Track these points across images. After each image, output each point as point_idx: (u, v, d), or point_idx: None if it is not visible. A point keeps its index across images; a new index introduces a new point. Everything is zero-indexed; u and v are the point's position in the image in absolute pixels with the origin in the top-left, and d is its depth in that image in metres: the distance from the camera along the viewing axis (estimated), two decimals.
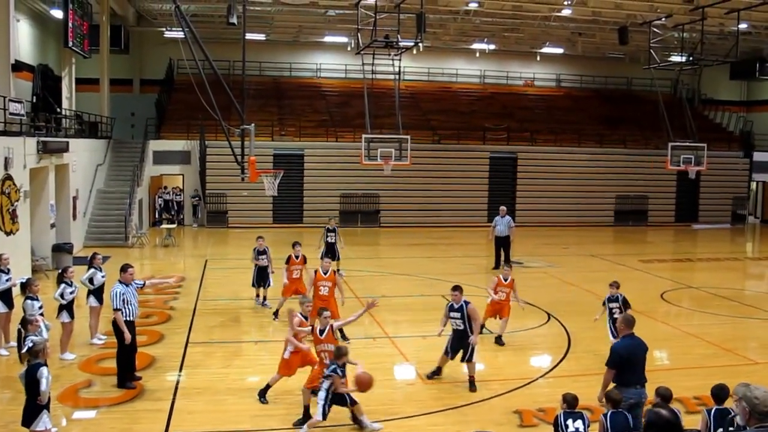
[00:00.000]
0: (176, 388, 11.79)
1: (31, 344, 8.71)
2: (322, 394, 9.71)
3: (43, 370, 8.14)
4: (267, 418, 10.64)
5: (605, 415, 8.19)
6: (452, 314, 12.24)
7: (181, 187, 34.24)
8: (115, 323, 11.68)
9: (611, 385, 9.01)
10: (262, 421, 10.51)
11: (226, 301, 18.37)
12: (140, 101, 36.75)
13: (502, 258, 23.11)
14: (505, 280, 15.10)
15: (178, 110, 33.82)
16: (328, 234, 21.10)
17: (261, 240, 17.90)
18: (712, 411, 7.95)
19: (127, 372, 11.84)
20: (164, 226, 29.96)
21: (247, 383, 12.13)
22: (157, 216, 33.90)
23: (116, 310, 11.64)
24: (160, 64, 37.14)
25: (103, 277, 14.20)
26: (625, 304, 13.30)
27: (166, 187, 34.30)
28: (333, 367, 9.79)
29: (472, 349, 11.99)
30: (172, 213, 33.94)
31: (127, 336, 11.58)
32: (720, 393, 8.11)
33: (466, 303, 12.13)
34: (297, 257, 16.34)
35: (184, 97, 32.54)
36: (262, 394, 11.21)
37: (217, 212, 33.01)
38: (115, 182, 29.79)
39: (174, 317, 16.46)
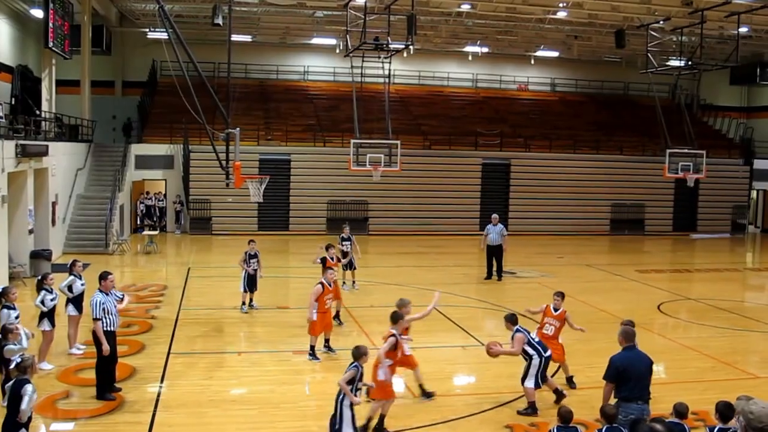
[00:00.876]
0: (157, 400, 11.53)
1: (19, 359, 8.49)
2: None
3: (27, 388, 7.98)
4: (248, 430, 10.49)
5: (599, 431, 7.97)
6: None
7: (164, 193, 33.45)
8: (94, 333, 11.44)
9: (613, 400, 8.85)
10: None
11: (209, 311, 18.00)
12: (122, 104, 35.99)
13: (494, 268, 22.73)
14: (555, 311, 12.44)
15: (162, 113, 33.12)
16: (343, 243, 20.11)
17: (253, 243, 17.84)
18: (715, 430, 7.60)
19: (106, 383, 11.55)
20: (146, 232, 29.44)
21: (230, 395, 12.02)
22: (138, 222, 33.16)
23: (96, 319, 11.38)
24: (143, 65, 36.43)
25: (82, 285, 13.82)
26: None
27: (148, 193, 33.55)
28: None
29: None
30: (155, 219, 33.23)
31: (105, 348, 11.34)
32: (726, 412, 7.66)
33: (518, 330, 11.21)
34: (332, 259, 16.54)
35: (167, 100, 31.83)
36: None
37: (200, 219, 32.27)
38: (95, 187, 29.16)
39: (156, 327, 16.20)
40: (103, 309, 11.43)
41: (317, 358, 13.61)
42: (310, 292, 13.79)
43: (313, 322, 13.54)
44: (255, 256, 17.53)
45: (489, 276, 22.63)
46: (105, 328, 11.41)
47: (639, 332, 10.52)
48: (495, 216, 23.57)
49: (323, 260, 16.79)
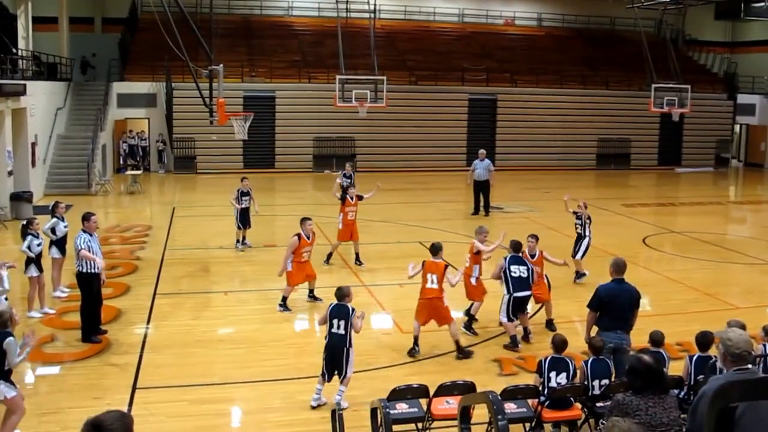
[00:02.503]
0: (143, 342, 11.51)
1: None
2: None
3: (10, 341, 7.79)
4: (237, 370, 10.45)
5: (586, 362, 8.16)
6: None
7: (147, 132, 32.99)
8: (79, 276, 11.42)
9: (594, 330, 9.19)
10: (231, 373, 10.30)
11: (195, 251, 17.96)
12: (102, 41, 35.12)
13: (482, 203, 22.77)
14: (532, 257, 12.05)
15: (143, 51, 32.40)
16: (345, 179, 19.88)
17: (246, 181, 17.91)
18: (694, 357, 8.20)
19: (92, 326, 11.51)
20: (129, 172, 29.14)
21: (217, 335, 12.00)
22: (121, 162, 32.77)
23: (79, 249, 11.24)
24: (123, 2, 35.51)
25: (65, 227, 13.60)
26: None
27: (131, 131, 33.10)
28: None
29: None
30: (138, 159, 32.82)
31: (96, 261, 11.38)
32: (703, 340, 8.32)
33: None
34: (352, 199, 16.48)
35: (149, 37, 31.01)
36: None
37: (184, 157, 31.95)
38: (76, 127, 28.63)
39: (140, 268, 16.11)
40: (89, 248, 11.30)
41: (288, 309, 13.10)
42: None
43: (289, 272, 13.09)
44: (247, 193, 17.50)
45: (476, 211, 22.72)
46: (89, 270, 11.31)
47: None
48: (482, 151, 23.57)
49: (343, 197, 16.58)
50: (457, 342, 11.01)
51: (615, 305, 9.02)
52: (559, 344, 8.37)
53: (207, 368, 10.46)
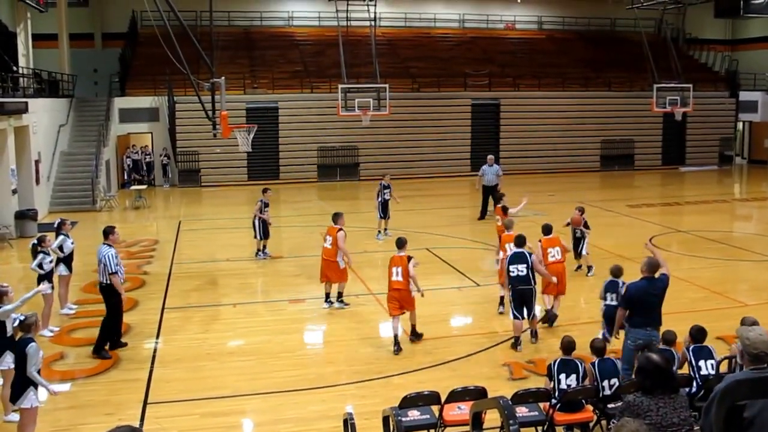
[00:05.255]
0: (153, 356, 11.53)
1: (23, 317, 8.54)
2: None
3: (33, 346, 7.98)
4: (248, 382, 10.44)
5: (593, 364, 8.25)
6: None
7: (151, 146, 33.03)
8: (105, 288, 11.50)
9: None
10: (242, 386, 10.31)
11: (202, 264, 17.94)
12: (103, 57, 35.23)
13: (489, 208, 22.60)
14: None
15: (144, 65, 32.49)
16: (384, 190, 20.26)
17: (269, 192, 18.25)
18: (691, 347, 8.54)
19: (114, 338, 11.71)
20: (134, 187, 29.08)
21: (227, 347, 12.02)
22: (126, 177, 32.80)
23: (113, 273, 11.39)
24: (123, 16, 35.42)
25: (72, 244, 13.63)
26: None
27: (134, 146, 33.14)
28: None
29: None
30: (142, 173, 32.86)
31: (125, 296, 11.82)
32: (698, 335, 8.67)
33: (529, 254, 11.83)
34: None
35: (149, 51, 31.09)
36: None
37: (189, 171, 31.95)
38: (79, 143, 28.63)
39: (148, 282, 16.12)
40: (118, 262, 11.50)
41: (347, 304, 13.87)
42: (336, 238, 13.54)
43: (343, 268, 13.69)
44: (268, 204, 17.75)
45: (482, 216, 22.70)
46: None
47: (632, 266, 10.73)
48: (491, 157, 23.65)
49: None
50: (413, 326, 11.87)
51: (644, 303, 9.16)
52: (568, 346, 8.41)
53: (217, 381, 10.47)
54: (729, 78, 40.15)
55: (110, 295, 11.46)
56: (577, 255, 15.92)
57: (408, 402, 7.67)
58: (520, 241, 11.83)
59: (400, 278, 11.51)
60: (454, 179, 32.07)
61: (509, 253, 11.85)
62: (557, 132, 35.43)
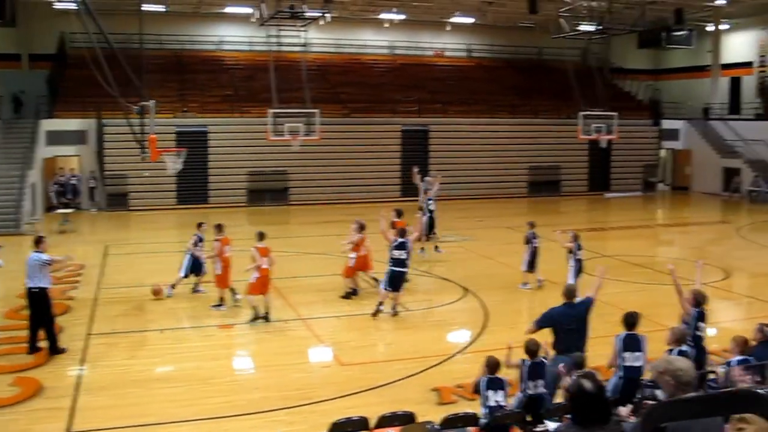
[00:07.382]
0: (78, 384, 11.28)
1: None
2: None
3: None
4: (177, 409, 10.34)
5: (523, 361, 8.65)
6: None
7: (78, 169, 32.29)
8: (36, 294, 11.97)
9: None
10: (171, 412, 10.20)
11: (129, 289, 17.57)
12: (30, 78, 34.36)
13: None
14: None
15: (73, 87, 31.83)
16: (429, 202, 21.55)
17: (205, 226, 17.14)
18: (623, 336, 8.99)
19: (52, 342, 12.10)
20: (60, 210, 28.36)
21: (155, 374, 11.92)
22: (55, 201, 31.93)
23: (48, 262, 12.23)
24: (51, 37, 34.70)
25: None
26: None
27: (62, 169, 32.35)
28: None
29: None
30: (68, 197, 32.04)
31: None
32: (630, 319, 9.25)
33: None
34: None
35: (78, 73, 30.48)
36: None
37: (117, 194, 31.34)
38: (4, 165, 27.78)
39: (73, 308, 15.79)
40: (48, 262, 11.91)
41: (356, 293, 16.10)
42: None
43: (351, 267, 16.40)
44: (202, 239, 16.89)
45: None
46: (46, 286, 12.02)
47: (557, 290, 10.90)
48: (428, 179, 24.03)
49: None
50: (255, 308, 14.22)
51: (565, 328, 9.40)
52: (494, 365, 8.55)
53: (144, 408, 10.29)
54: (652, 107, 41.52)
55: (40, 302, 11.61)
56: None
57: (337, 428, 7.67)
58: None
59: (267, 265, 14.29)
60: (383, 204, 32.09)
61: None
62: (485, 158, 35.95)
